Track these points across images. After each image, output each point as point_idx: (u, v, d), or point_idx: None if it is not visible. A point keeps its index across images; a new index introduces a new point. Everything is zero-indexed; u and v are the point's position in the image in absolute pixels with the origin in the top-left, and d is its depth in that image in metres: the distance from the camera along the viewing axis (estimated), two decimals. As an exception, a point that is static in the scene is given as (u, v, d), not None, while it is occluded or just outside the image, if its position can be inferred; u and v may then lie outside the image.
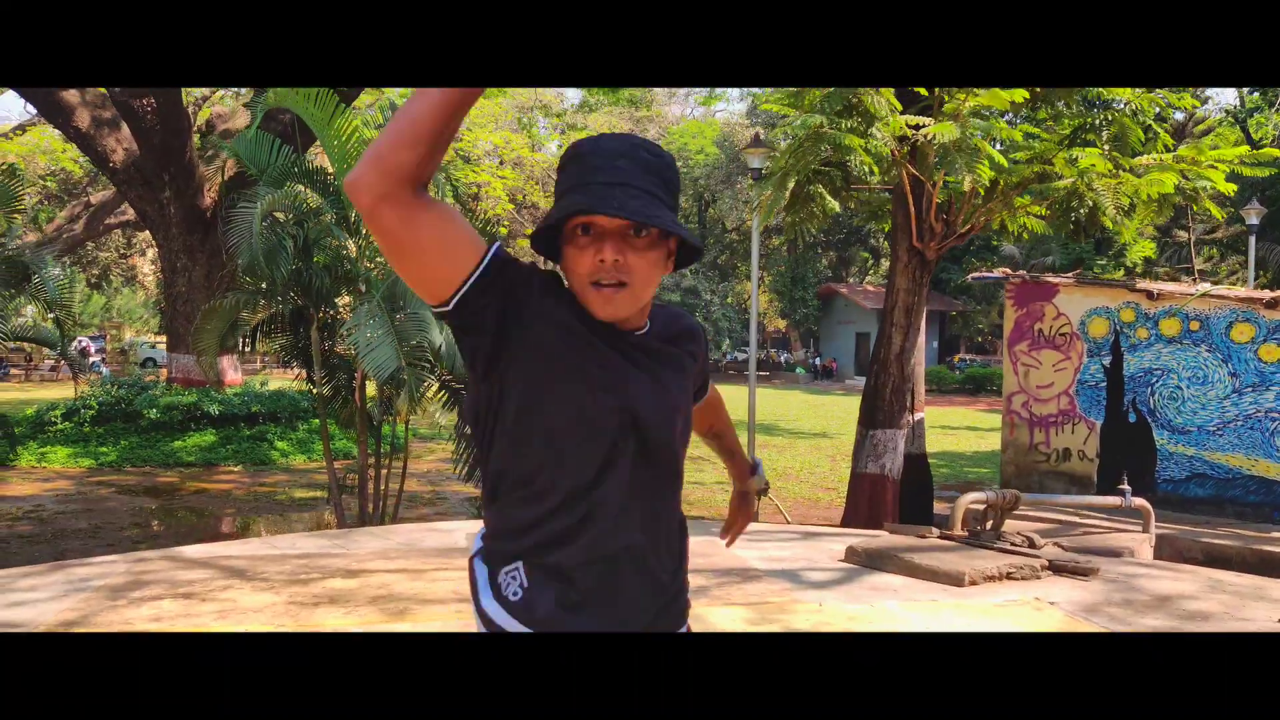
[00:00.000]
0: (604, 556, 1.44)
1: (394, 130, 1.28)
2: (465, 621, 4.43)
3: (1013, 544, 5.92)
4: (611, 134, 1.46)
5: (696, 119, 51.27)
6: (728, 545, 2.11)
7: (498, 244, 1.37)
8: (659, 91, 47.53)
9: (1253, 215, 16.74)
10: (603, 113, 47.53)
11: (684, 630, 1.63)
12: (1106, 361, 9.24)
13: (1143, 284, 9.31)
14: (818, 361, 47.55)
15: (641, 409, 1.43)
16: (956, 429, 22.96)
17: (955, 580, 5.17)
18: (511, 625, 1.44)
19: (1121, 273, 33.78)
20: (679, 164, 43.25)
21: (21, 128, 33.18)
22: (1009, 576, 5.32)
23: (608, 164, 1.39)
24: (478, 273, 1.33)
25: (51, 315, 8.00)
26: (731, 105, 54.54)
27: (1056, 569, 5.52)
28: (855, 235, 49.44)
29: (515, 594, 1.45)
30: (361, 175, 1.26)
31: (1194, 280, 27.82)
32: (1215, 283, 28.35)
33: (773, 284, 50.38)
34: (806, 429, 22.60)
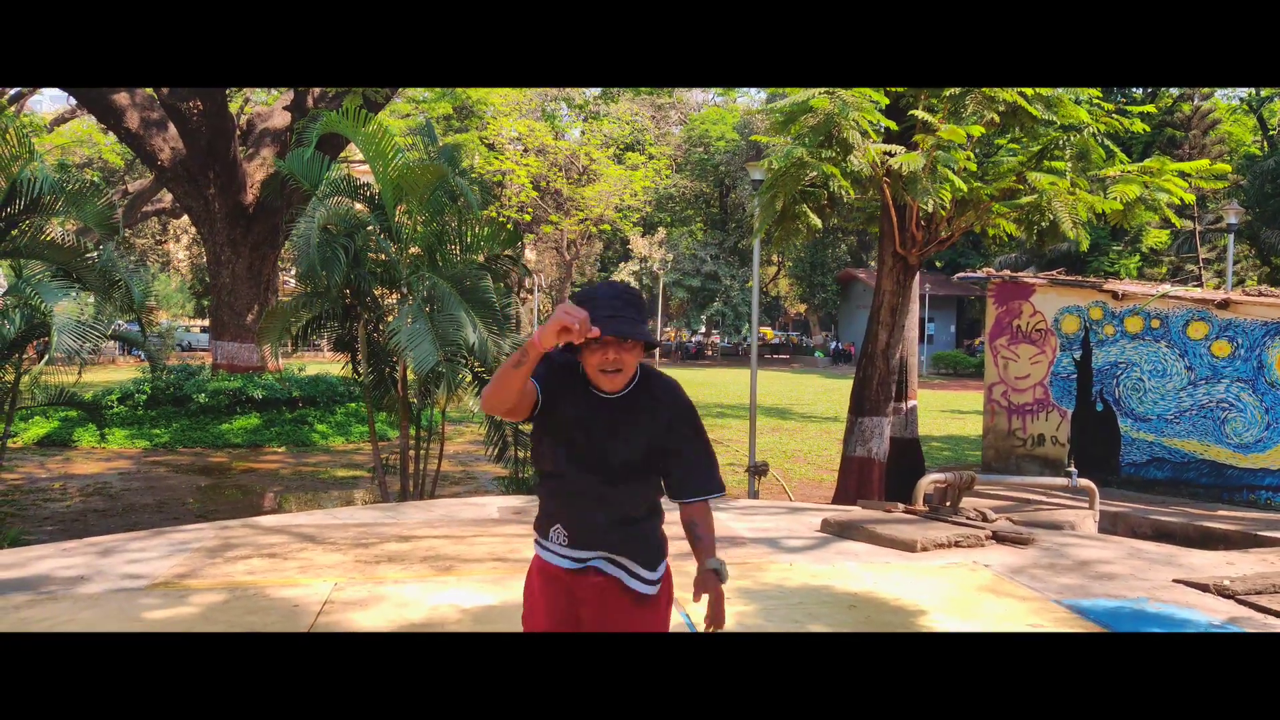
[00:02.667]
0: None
1: (488, 392, 2.36)
2: (500, 575, 5.48)
3: (967, 518, 6.89)
4: (606, 282, 2.51)
5: (717, 106, 51.92)
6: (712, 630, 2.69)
7: (541, 369, 2.44)
8: (680, 79, 48.07)
9: (1231, 215, 17.43)
10: (625, 101, 48.33)
11: (629, 564, 2.64)
12: (1077, 355, 10.14)
13: (1110, 284, 10.18)
14: (836, 345, 48.30)
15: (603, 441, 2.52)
16: (966, 413, 23.71)
17: (908, 547, 6.15)
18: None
19: (1136, 259, 34.39)
20: (700, 150, 43.60)
21: (63, 119, 34.46)
22: (956, 544, 6.29)
23: (607, 303, 2.38)
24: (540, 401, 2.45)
25: (134, 316, 9.05)
26: (751, 93, 55.02)
27: (1000, 539, 6.48)
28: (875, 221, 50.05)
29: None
30: (486, 409, 2.42)
31: (1199, 269, 28.41)
32: (1219, 272, 28.91)
33: (793, 269, 51.18)
34: (819, 413, 23.48)
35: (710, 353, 51.51)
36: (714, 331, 53.38)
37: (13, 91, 30.54)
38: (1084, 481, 7.96)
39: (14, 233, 7.94)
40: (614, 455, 2.53)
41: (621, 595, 2.62)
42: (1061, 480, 8.11)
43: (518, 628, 4.51)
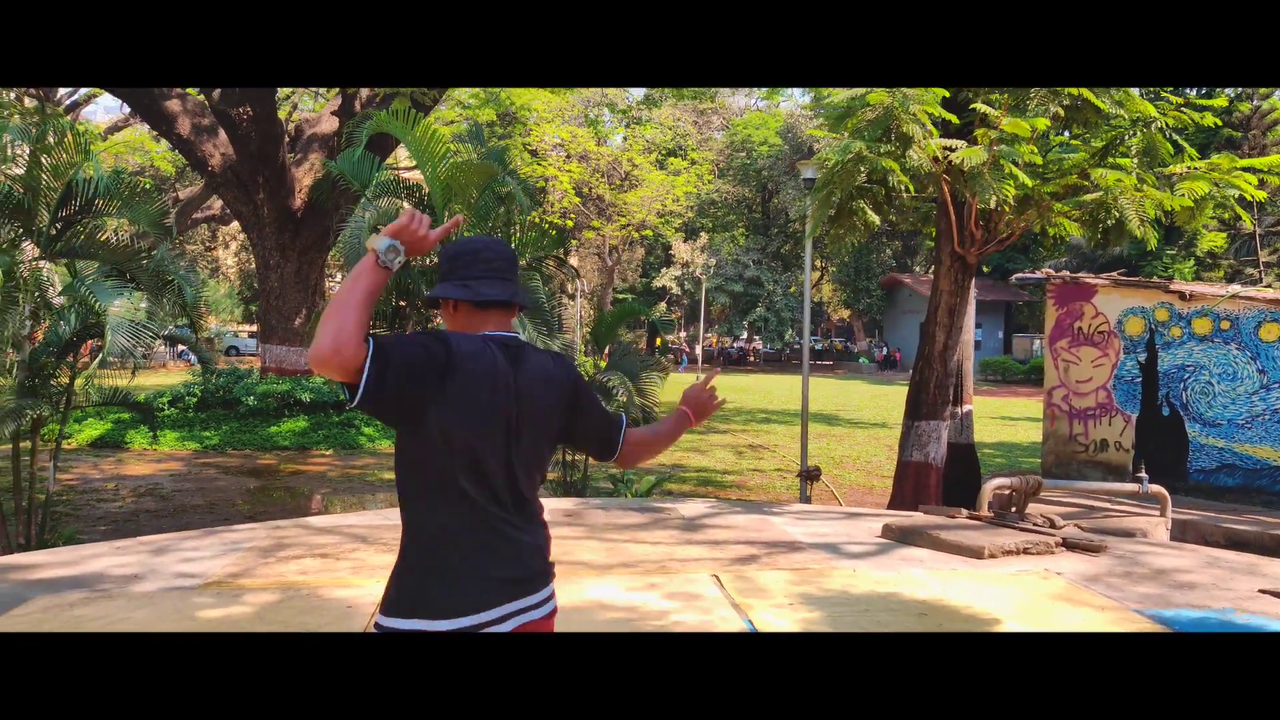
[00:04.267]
0: None
1: None
2: (556, 577, 5.35)
3: (1034, 524, 6.64)
4: (482, 239, 2.31)
5: (760, 110, 51.68)
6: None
7: None
8: (723, 84, 48.00)
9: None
10: (667, 106, 48.30)
11: None
12: (1142, 358, 9.82)
13: (1177, 285, 9.85)
14: (884, 351, 47.77)
15: None
16: (1016, 420, 23.28)
17: (975, 553, 5.94)
18: None
19: (1191, 263, 33.58)
20: (743, 155, 43.31)
21: (117, 128, 35.16)
22: (1025, 551, 6.05)
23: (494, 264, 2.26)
24: None
25: (186, 318, 9.08)
26: (795, 96, 54.70)
27: (1070, 546, 6.24)
28: (930, 221, 49.46)
29: None
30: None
31: (1259, 272, 27.65)
32: (1281, 275, 28.11)
33: (836, 274, 50.70)
34: (866, 419, 23.16)
35: (753, 359, 51.19)
36: (756, 337, 53.05)
37: (68, 101, 31.23)
38: (1155, 487, 7.67)
39: (69, 233, 7.99)
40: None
41: None
42: (1131, 486, 7.83)
43: (574, 628, 4.39)
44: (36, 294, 7.74)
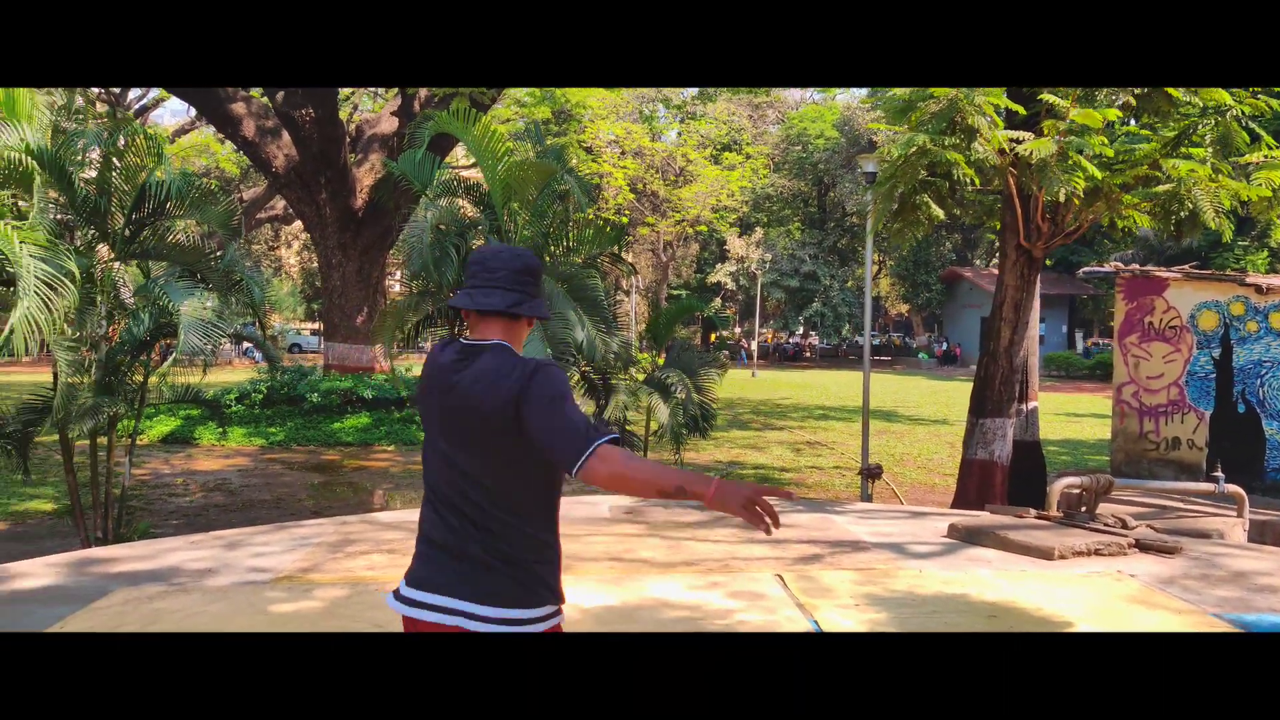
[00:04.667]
0: None
1: (623, 484, 2.05)
2: (618, 575, 5.37)
3: (1105, 524, 6.49)
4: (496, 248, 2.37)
5: (816, 103, 51.20)
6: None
7: None
8: (778, 77, 47.55)
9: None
10: (722, 100, 48.08)
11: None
12: (1216, 353, 9.53)
13: (1252, 278, 9.54)
14: (944, 346, 47.06)
15: None
16: (1082, 416, 22.78)
17: (1045, 554, 5.82)
18: None
19: (1265, 254, 32.54)
20: (798, 149, 42.95)
21: (184, 131, 36.08)
22: (1097, 552, 5.92)
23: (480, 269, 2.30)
24: None
25: (254, 317, 9.28)
26: (852, 90, 54.08)
27: (1144, 547, 6.08)
28: (993, 214, 48.65)
29: None
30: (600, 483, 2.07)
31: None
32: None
33: (895, 268, 50.07)
34: (926, 415, 22.85)
35: (808, 354, 50.80)
36: (812, 333, 52.62)
37: (138, 105, 32.09)
38: (1231, 487, 7.44)
39: (143, 235, 8.20)
40: None
41: None
42: (1206, 485, 7.61)
43: (638, 627, 4.40)
44: (112, 295, 7.96)
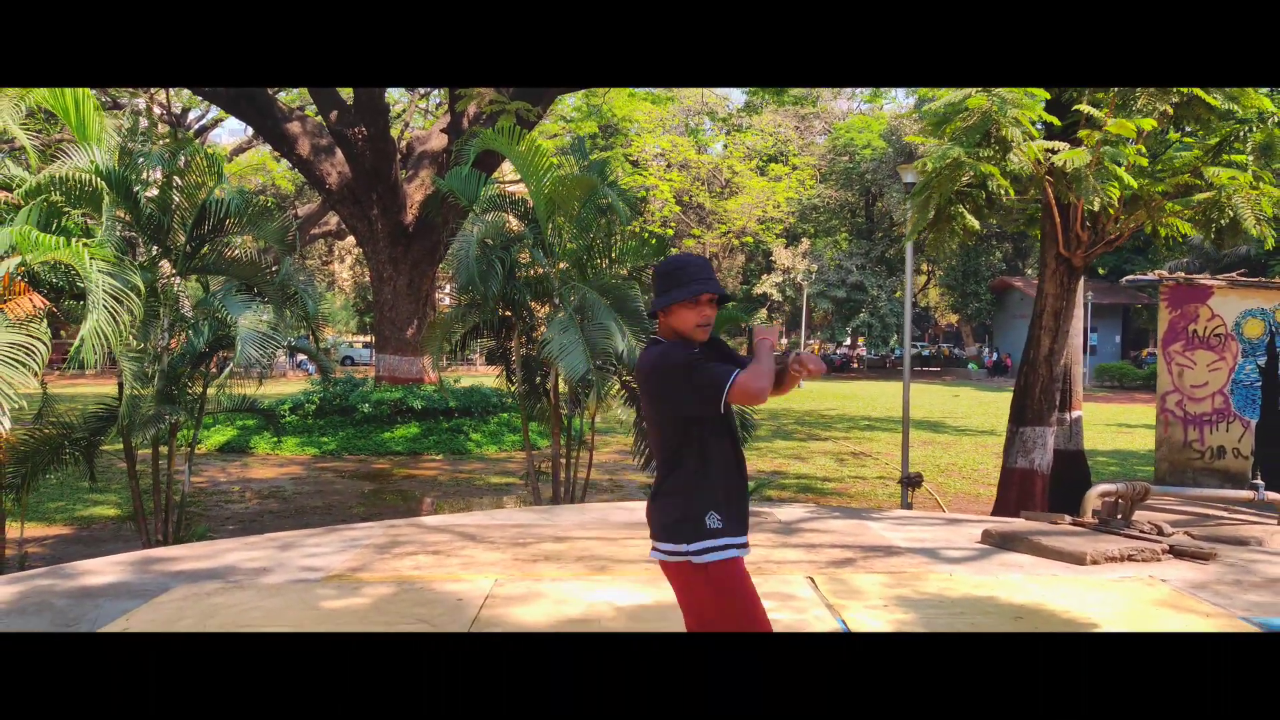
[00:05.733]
0: None
1: (760, 386, 2.67)
2: (653, 576, 5.54)
3: (1141, 531, 6.51)
4: (682, 254, 2.85)
5: (862, 114, 51.04)
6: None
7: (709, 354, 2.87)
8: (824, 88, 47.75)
9: None
10: (768, 112, 48.18)
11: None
12: (1262, 362, 9.45)
13: (1299, 286, 9.45)
14: (995, 356, 46.50)
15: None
16: (1134, 427, 22.43)
17: (1077, 559, 5.87)
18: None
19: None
20: (845, 159, 42.81)
21: (241, 149, 37.11)
22: (1130, 558, 5.95)
23: (701, 267, 2.83)
24: None
25: (309, 329, 9.62)
26: (898, 99, 53.85)
27: (1178, 553, 6.10)
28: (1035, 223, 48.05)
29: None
30: (743, 399, 2.70)
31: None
32: None
33: (944, 278, 49.64)
34: (974, 426, 22.67)
35: (856, 365, 50.51)
36: (859, 344, 52.33)
37: (197, 125, 33.06)
38: (1272, 495, 7.40)
39: (203, 251, 8.58)
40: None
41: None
42: (1246, 493, 7.57)
43: (672, 627, 4.55)
44: (173, 308, 8.34)
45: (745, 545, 2.80)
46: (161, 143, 9.45)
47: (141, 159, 8.44)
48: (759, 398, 2.66)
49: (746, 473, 2.92)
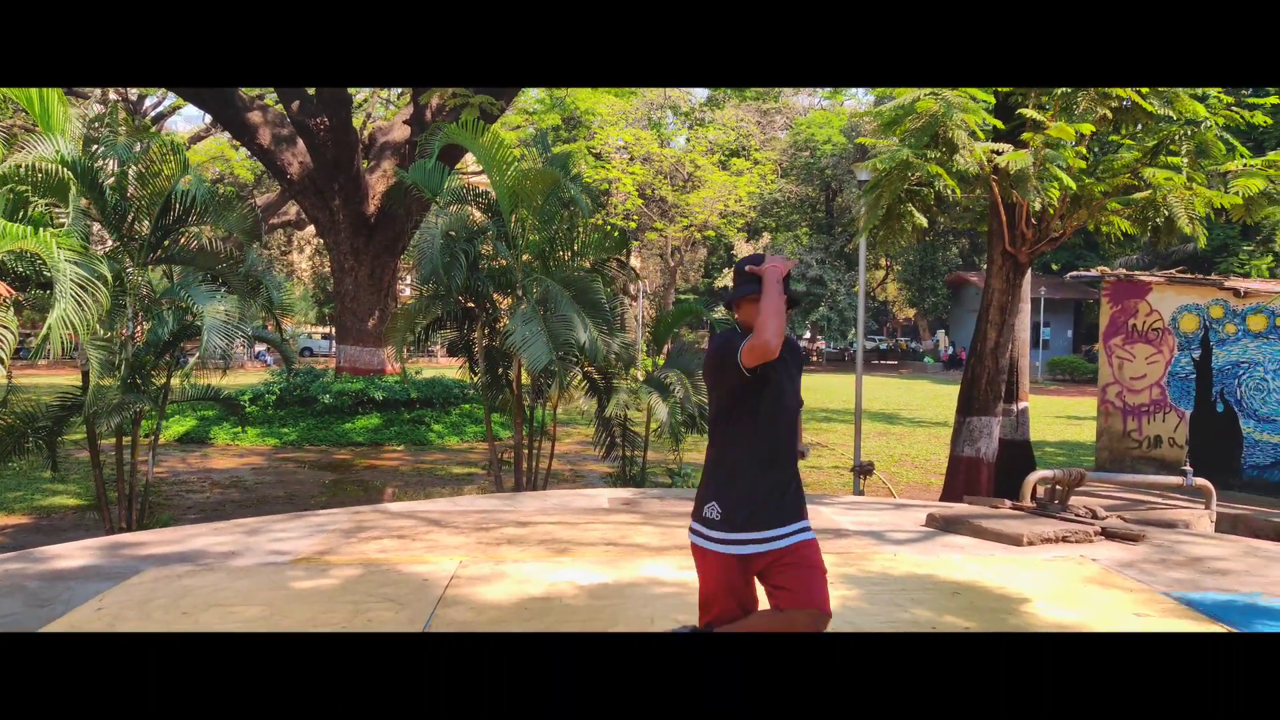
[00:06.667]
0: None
1: (779, 327, 2.80)
2: (613, 557, 5.76)
3: (1076, 514, 6.86)
4: (766, 255, 2.95)
5: (823, 109, 51.56)
6: None
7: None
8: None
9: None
10: (730, 106, 48.49)
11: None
12: (1196, 355, 9.89)
13: (1231, 282, 9.89)
14: (950, 350, 47.28)
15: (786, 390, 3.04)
16: (1082, 419, 23.03)
17: (1014, 541, 6.19)
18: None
19: (1270, 259, 32.73)
20: (806, 154, 43.13)
21: (199, 138, 36.68)
22: (1064, 539, 6.29)
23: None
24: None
25: (273, 319, 9.72)
26: (858, 95, 54.40)
27: (1109, 535, 6.45)
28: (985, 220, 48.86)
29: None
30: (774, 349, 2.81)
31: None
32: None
33: (901, 273, 50.36)
34: (928, 418, 23.16)
35: (815, 358, 51.10)
36: (819, 337, 52.92)
37: (154, 112, 32.65)
38: (1200, 480, 7.80)
39: (167, 241, 8.64)
40: (792, 396, 3.04)
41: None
42: (1176, 479, 7.96)
43: (632, 603, 4.79)
44: (139, 298, 8.40)
45: (742, 543, 2.89)
46: (123, 130, 9.47)
47: (106, 149, 8.49)
48: (769, 344, 2.73)
49: (789, 470, 2.99)
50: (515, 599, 4.85)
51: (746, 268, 2.95)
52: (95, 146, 8.48)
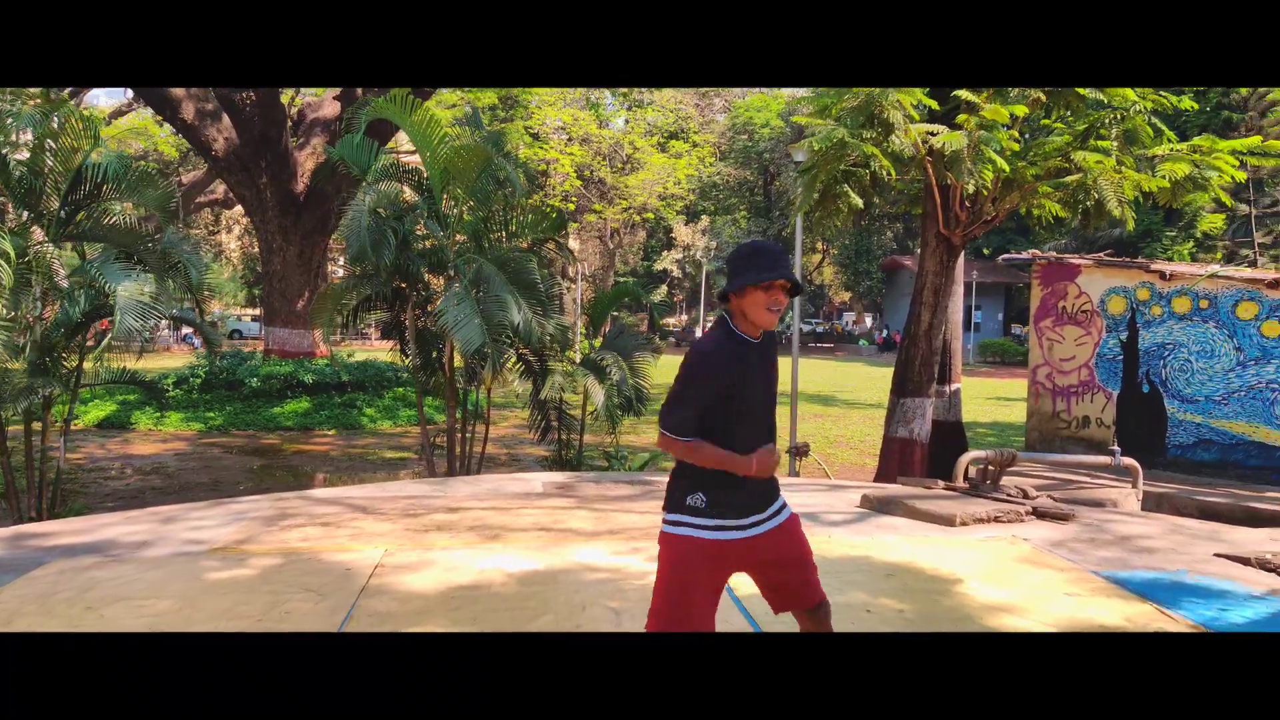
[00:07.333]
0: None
1: (684, 455, 2.77)
2: (545, 543, 5.63)
3: (1007, 494, 6.90)
4: (760, 240, 2.85)
5: (762, 94, 51.67)
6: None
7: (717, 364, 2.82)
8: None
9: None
10: (668, 89, 48.31)
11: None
12: (1123, 336, 10.06)
13: (1158, 265, 10.07)
14: (885, 333, 47.93)
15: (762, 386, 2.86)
16: (1012, 400, 23.48)
17: (948, 521, 6.20)
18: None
19: (1190, 244, 33.71)
20: (744, 138, 43.38)
21: (120, 112, 35.39)
22: (996, 519, 6.32)
23: (775, 255, 2.78)
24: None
25: (192, 297, 9.35)
26: (797, 78, 54.48)
27: (1040, 515, 6.50)
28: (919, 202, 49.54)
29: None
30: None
31: (1254, 254, 27.80)
32: (1276, 257, 28.25)
33: (837, 257, 50.85)
34: (863, 400, 23.41)
35: (753, 341, 51.30)
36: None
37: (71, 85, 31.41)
38: (1127, 460, 7.93)
39: (79, 217, 8.24)
40: (768, 394, 2.91)
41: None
42: (1104, 459, 8.08)
43: (563, 590, 4.66)
44: (47, 276, 8.00)
45: (720, 528, 2.77)
46: (33, 103, 9.00)
47: (11, 119, 8.05)
48: (670, 450, 2.80)
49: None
50: (442, 588, 4.69)
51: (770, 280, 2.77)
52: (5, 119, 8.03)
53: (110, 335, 7.48)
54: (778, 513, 2.89)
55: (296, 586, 4.70)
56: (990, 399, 23.72)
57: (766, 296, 2.74)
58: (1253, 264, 27.76)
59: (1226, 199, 9.22)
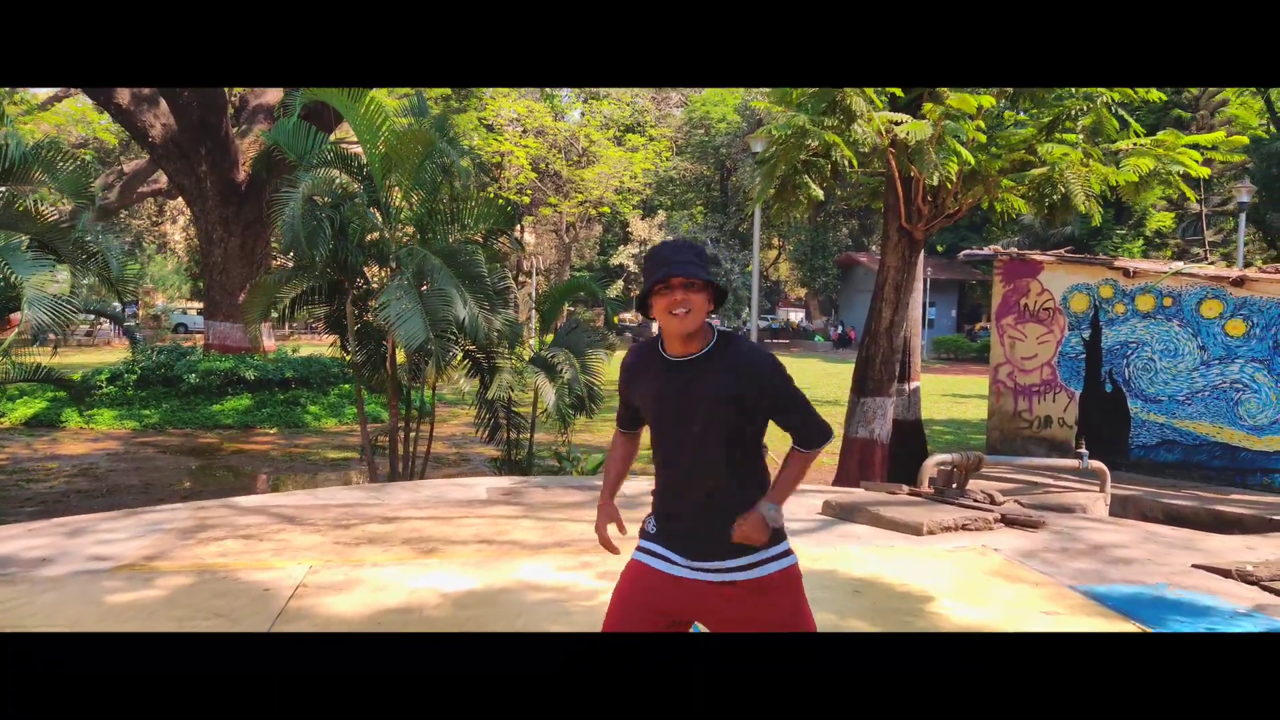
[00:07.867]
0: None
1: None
2: (485, 558, 5.21)
3: (975, 500, 6.62)
4: (675, 240, 2.57)
5: (718, 88, 51.39)
6: (734, 539, 2.43)
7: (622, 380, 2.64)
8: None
9: (1243, 193, 17.10)
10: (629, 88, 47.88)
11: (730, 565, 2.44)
12: (1086, 335, 9.85)
13: (1121, 262, 9.88)
14: (839, 330, 47.99)
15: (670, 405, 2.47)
16: (967, 397, 23.48)
17: (914, 530, 5.88)
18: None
19: (1140, 242, 34.07)
20: (701, 133, 43.30)
21: (57, 98, 34.14)
22: (964, 527, 6.02)
23: (671, 254, 2.46)
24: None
25: (113, 289, 8.77)
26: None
27: (1009, 522, 6.21)
28: (879, 197, 49.61)
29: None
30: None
31: (1205, 252, 28.09)
32: (1226, 255, 28.58)
33: (793, 253, 50.77)
34: (820, 397, 23.19)
35: (709, 337, 51.13)
36: (714, 316, 53.00)
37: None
38: (1095, 463, 7.69)
39: (-14, 202, 7.64)
40: (688, 433, 2.46)
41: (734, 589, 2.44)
42: (1072, 462, 7.84)
43: (503, 613, 4.26)
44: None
45: (653, 555, 2.49)
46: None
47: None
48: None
49: (701, 490, 2.49)
50: (368, 611, 4.26)
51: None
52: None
53: (15, 331, 6.91)
54: (748, 568, 2.45)
55: (206, 611, 4.24)
56: (945, 396, 23.66)
57: (665, 300, 2.43)
58: (1202, 262, 28.04)
59: (1191, 194, 9.05)
